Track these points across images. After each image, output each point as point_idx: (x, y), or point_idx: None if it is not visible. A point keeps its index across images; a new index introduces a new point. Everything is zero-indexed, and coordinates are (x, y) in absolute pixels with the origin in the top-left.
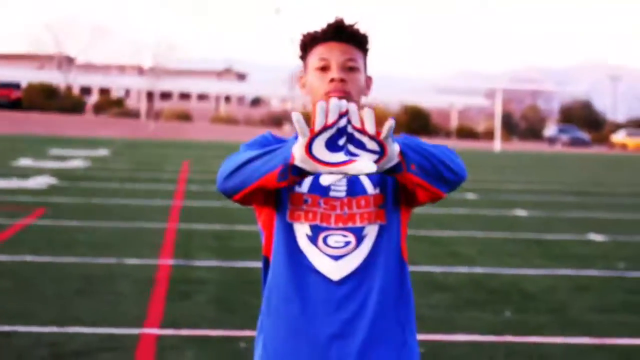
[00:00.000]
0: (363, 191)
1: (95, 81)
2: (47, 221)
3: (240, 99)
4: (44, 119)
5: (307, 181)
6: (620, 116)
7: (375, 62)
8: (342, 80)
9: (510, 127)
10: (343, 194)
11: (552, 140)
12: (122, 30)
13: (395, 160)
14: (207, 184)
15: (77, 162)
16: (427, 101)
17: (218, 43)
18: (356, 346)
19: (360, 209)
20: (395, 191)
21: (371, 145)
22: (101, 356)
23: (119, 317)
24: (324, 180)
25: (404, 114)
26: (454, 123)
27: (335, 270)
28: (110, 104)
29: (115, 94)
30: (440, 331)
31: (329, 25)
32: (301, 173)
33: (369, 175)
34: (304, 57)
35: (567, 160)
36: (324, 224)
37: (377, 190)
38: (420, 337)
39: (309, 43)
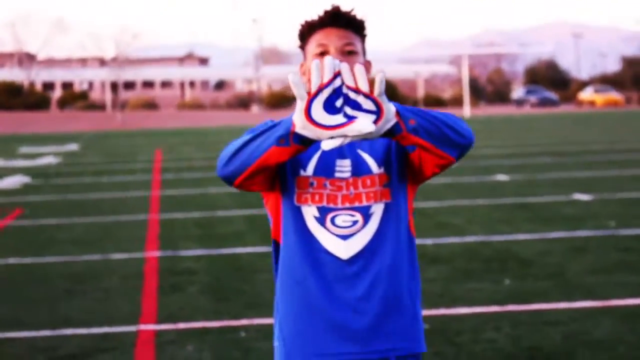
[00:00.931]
0: (368, 171)
1: (58, 76)
2: (25, 221)
3: (204, 84)
4: (9, 118)
5: (312, 164)
6: (584, 74)
7: None
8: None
9: (476, 92)
10: (348, 174)
11: (520, 102)
12: (81, 23)
13: (393, 120)
14: (182, 172)
15: (48, 159)
16: (392, 72)
17: (177, 29)
18: (370, 321)
19: (366, 188)
20: (400, 169)
21: (367, 104)
22: (100, 357)
23: (113, 315)
24: (325, 145)
25: (370, 86)
26: (420, 92)
27: (345, 249)
28: (74, 98)
29: (79, 87)
30: (442, 305)
31: (326, 12)
32: (303, 141)
33: (373, 155)
34: (302, 46)
35: (538, 121)
36: (331, 205)
37: (382, 170)
38: (423, 313)
39: (306, 31)
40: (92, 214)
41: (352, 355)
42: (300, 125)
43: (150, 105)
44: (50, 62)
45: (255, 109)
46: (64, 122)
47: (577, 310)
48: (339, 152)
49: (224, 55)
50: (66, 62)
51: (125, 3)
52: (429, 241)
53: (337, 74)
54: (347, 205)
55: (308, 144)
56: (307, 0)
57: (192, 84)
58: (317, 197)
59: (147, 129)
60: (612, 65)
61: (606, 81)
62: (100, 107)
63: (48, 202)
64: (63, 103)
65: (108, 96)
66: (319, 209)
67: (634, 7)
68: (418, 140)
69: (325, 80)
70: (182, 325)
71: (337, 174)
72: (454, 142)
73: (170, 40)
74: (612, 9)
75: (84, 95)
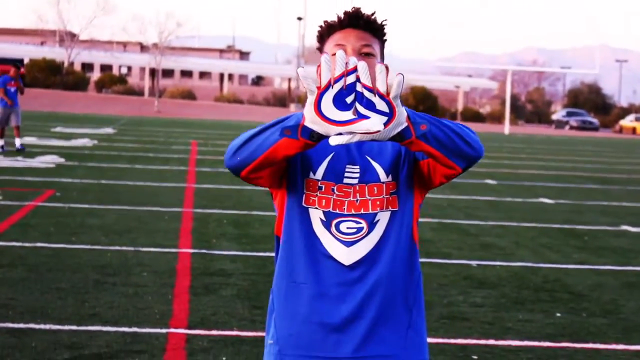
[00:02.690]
0: (376, 178)
1: (97, 57)
2: (56, 203)
3: (243, 77)
4: (47, 96)
5: (322, 168)
6: (623, 100)
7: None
8: None
9: (516, 109)
10: (356, 180)
11: (559, 124)
12: (126, 5)
13: (403, 124)
14: (218, 166)
15: (83, 140)
16: (433, 82)
17: (220, 20)
18: (364, 328)
19: (373, 196)
20: (408, 177)
21: (381, 105)
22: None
23: (142, 314)
24: (333, 140)
25: (411, 96)
26: (460, 105)
27: (347, 256)
28: (113, 81)
29: (117, 70)
30: (491, 336)
31: (345, 13)
32: (311, 136)
33: (381, 163)
34: (321, 47)
35: (579, 144)
36: (337, 211)
37: (390, 178)
38: (470, 341)
39: (325, 32)
40: (125, 201)
41: None
42: (310, 119)
43: (188, 95)
44: (92, 43)
45: (293, 107)
46: (100, 104)
47: (636, 354)
48: (349, 158)
49: (266, 50)
50: (107, 44)
51: None
52: (473, 262)
53: (351, 71)
54: (353, 212)
55: (316, 139)
56: (350, 1)
57: (230, 77)
58: (323, 202)
59: (183, 119)
60: None
61: None
62: (137, 92)
63: (81, 185)
64: (101, 85)
65: (146, 82)
66: (325, 214)
67: None
68: (427, 148)
69: (337, 74)
70: (215, 332)
71: (346, 180)
72: (464, 152)
73: (212, 31)
74: None
75: (122, 80)
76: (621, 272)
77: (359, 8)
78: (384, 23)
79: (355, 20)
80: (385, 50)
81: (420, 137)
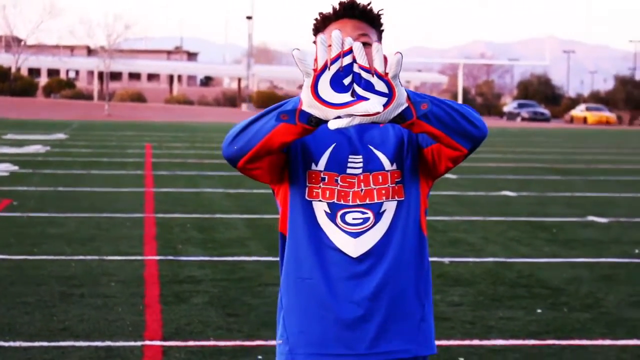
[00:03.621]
0: (380, 167)
1: (45, 62)
2: (14, 213)
3: (191, 79)
4: None
5: (324, 158)
6: (571, 90)
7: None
8: None
9: (466, 102)
10: (359, 170)
11: (511, 116)
12: (73, 8)
13: (403, 104)
14: (175, 168)
15: (35, 147)
16: None
17: (166, 21)
18: (377, 323)
19: (378, 185)
20: (413, 165)
21: (379, 86)
22: None
23: (114, 326)
24: (332, 124)
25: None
26: None
27: (354, 247)
28: (61, 86)
29: (65, 75)
30: (475, 336)
31: (340, 4)
32: (309, 120)
33: (384, 151)
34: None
35: (533, 136)
36: (342, 202)
37: (394, 166)
38: (453, 342)
39: (321, 24)
40: (85, 209)
41: (357, 357)
42: (307, 103)
43: (138, 98)
44: (39, 48)
45: (244, 106)
46: (50, 109)
47: (624, 350)
48: (351, 148)
49: (213, 51)
50: (54, 49)
51: None
52: (445, 259)
53: (347, 52)
54: (358, 202)
55: (315, 124)
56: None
57: (179, 78)
58: (327, 194)
59: (134, 122)
60: (600, 84)
61: (598, 99)
62: (86, 96)
63: (37, 193)
64: (49, 90)
65: (95, 86)
66: (330, 205)
67: (624, 26)
68: (429, 128)
69: (333, 55)
70: (192, 343)
71: (349, 170)
72: (467, 132)
73: (159, 33)
74: (601, 27)
75: (70, 84)
76: (595, 265)
77: None
78: (380, 13)
79: (351, 11)
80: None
81: (422, 117)
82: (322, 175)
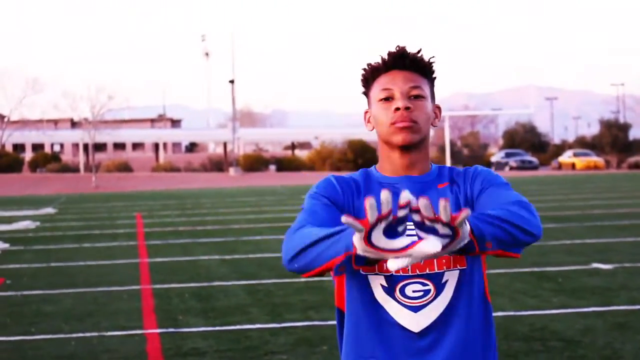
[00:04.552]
0: None
1: (29, 137)
2: (8, 292)
3: (176, 145)
4: None
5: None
6: (556, 137)
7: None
8: (407, 109)
9: (453, 154)
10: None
11: (499, 165)
12: (56, 83)
13: (466, 239)
14: (167, 237)
15: (25, 222)
16: (369, 134)
17: (147, 90)
18: None
19: None
20: None
21: (444, 230)
22: None
23: None
24: (391, 265)
25: (349, 150)
26: None
27: (416, 322)
28: (46, 160)
29: (49, 148)
30: None
31: (390, 54)
32: (367, 262)
33: None
34: (366, 92)
35: (524, 184)
36: (400, 273)
37: None
38: None
39: (370, 76)
40: (79, 284)
41: None
42: (361, 249)
43: (124, 168)
44: (22, 123)
45: (232, 171)
46: (37, 184)
47: None
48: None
49: (196, 116)
50: (38, 123)
51: (98, 62)
52: None
53: (403, 206)
54: (418, 272)
55: (373, 263)
56: (277, 63)
57: (164, 145)
58: (385, 266)
59: (122, 192)
60: (584, 129)
61: (584, 144)
62: (72, 169)
63: (30, 270)
64: (35, 165)
65: (81, 158)
66: (387, 278)
67: (603, 70)
68: (489, 253)
69: (383, 213)
70: None
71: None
72: (522, 242)
73: (141, 102)
74: (581, 73)
75: (56, 157)
76: (607, 313)
77: (404, 47)
78: (431, 60)
79: (401, 61)
80: (322, 106)
81: (484, 249)
82: None
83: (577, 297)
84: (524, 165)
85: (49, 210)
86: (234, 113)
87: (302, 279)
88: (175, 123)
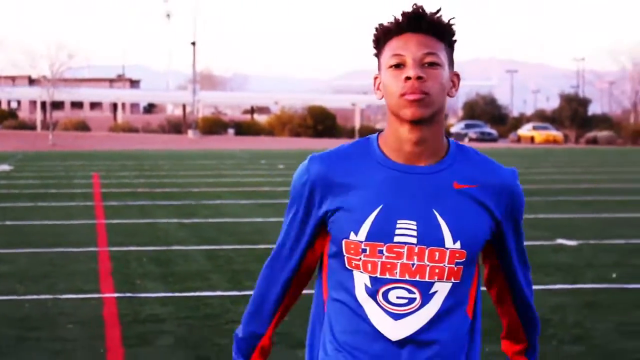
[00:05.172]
0: (439, 242)
1: None
2: None
3: (134, 106)
4: None
5: (365, 227)
6: (515, 110)
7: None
8: (419, 78)
9: None
10: (413, 239)
11: (459, 136)
12: (15, 40)
13: None
14: (125, 199)
15: None
16: (330, 101)
17: (107, 49)
18: None
19: (433, 262)
20: (480, 246)
21: None
22: None
23: None
24: None
25: (309, 116)
26: (356, 123)
27: (395, 330)
28: (2, 116)
29: (6, 105)
30: None
31: (404, 15)
32: None
33: (452, 223)
34: (377, 54)
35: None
36: (386, 275)
37: (458, 245)
38: None
39: (382, 37)
40: (35, 244)
41: None
42: None
43: (82, 127)
44: None
45: (190, 133)
46: None
47: None
48: (403, 211)
49: (155, 78)
50: None
51: (58, 21)
52: None
53: None
54: (407, 277)
55: None
56: (239, 26)
57: (122, 106)
58: (369, 266)
59: (80, 151)
60: (543, 102)
61: (544, 118)
62: (29, 126)
63: None
64: None
65: (38, 116)
66: (372, 279)
67: (562, 45)
68: None
69: None
70: None
71: (399, 238)
72: None
73: (101, 61)
74: (540, 46)
75: (12, 114)
76: (576, 291)
77: (420, 6)
78: (451, 22)
79: (416, 23)
80: (283, 71)
81: None
82: (362, 247)
83: (544, 274)
84: (483, 137)
85: (5, 167)
86: (194, 75)
87: (263, 246)
88: (134, 84)
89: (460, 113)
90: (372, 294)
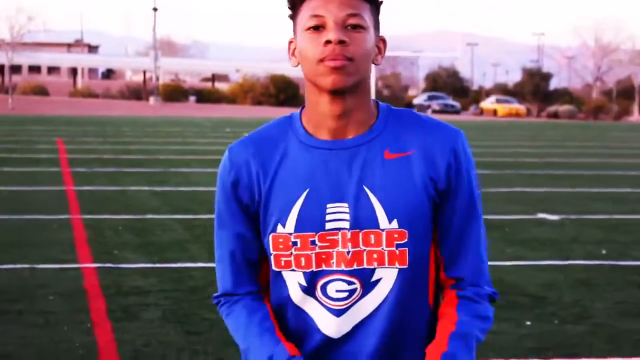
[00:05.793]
0: (373, 223)
1: None
2: None
3: (92, 72)
4: None
5: (292, 217)
6: (475, 83)
7: (232, 31)
8: (341, 42)
9: (374, 95)
10: (346, 224)
11: (421, 108)
12: None
13: None
14: (93, 165)
15: None
16: (292, 70)
17: (66, 14)
18: None
19: (369, 247)
20: (424, 222)
21: None
22: None
23: (62, 349)
24: None
25: (272, 85)
26: None
27: (337, 327)
28: None
29: None
30: None
31: None
32: None
33: (385, 201)
34: (293, 15)
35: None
36: (323, 267)
37: (395, 224)
38: None
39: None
40: (3, 210)
41: None
42: None
43: (41, 91)
44: None
45: (152, 100)
46: None
47: None
48: (332, 193)
49: (114, 43)
50: None
51: None
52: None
53: None
54: (344, 267)
55: None
56: None
57: (81, 70)
58: (302, 261)
59: (40, 116)
60: (502, 76)
61: (506, 92)
62: None
63: None
64: None
65: None
66: (306, 275)
67: (520, 19)
68: None
69: None
70: None
71: (331, 224)
72: None
73: (59, 26)
74: (498, 20)
75: None
76: (566, 268)
77: None
78: None
79: None
80: (234, 39)
81: None
82: (292, 239)
83: (529, 249)
84: (446, 109)
85: None
86: (155, 41)
87: None
88: (93, 49)
89: (422, 85)
90: (310, 291)
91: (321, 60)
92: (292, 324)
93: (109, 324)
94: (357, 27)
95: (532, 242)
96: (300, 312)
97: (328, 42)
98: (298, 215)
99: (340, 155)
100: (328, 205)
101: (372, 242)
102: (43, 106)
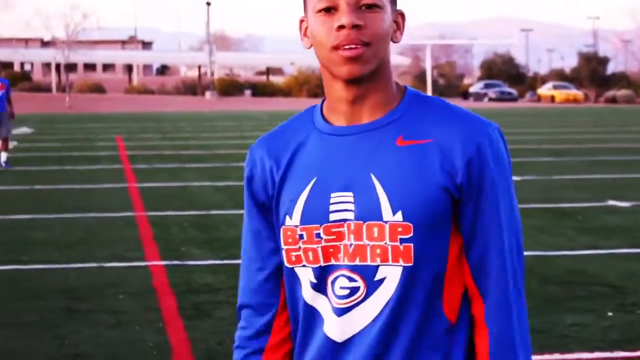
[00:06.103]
0: (376, 215)
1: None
2: None
3: (147, 68)
4: None
5: (298, 209)
6: (530, 70)
7: (286, 24)
8: (355, 27)
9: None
10: (351, 215)
11: (478, 96)
12: (27, 1)
13: None
14: (153, 161)
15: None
16: None
17: (119, 11)
18: None
19: (372, 241)
20: (433, 217)
21: None
22: None
23: (135, 349)
24: None
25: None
26: None
27: (339, 329)
28: (16, 79)
29: (19, 67)
30: (548, 348)
31: None
32: None
33: (390, 191)
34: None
35: (508, 116)
36: (332, 262)
37: (399, 216)
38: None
39: None
40: (69, 210)
41: None
42: None
43: (97, 89)
44: None
45: (208, 94)
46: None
47: None
48: (340, 180)
49: (166, 39)
50: (7, 42)
51: None
52: None
53: None
54: (347, 262)
55: None
56: None
57: (137, 67)
58: (310, 255)
59: (97, 114)
60: (557, 62)
61: (562, 77)
62: (44, 89)
63: (14, 193)
64: None
65: (53, 78)
66: (315, 271)
67: (575, 3)
68: None
69: None
70: None
71: (334, 215)
72: None
73: (111, 23)
74: (553, 4)
75: (26, 76)
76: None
77: None
78: None
79: None
80: (288, 31)
81: None
82: (299, 232)
83: (603, 237)
84: (503, 97)
85: (25, 129)
86: (208, 36)
87: None
88: (147, 45)
89: (477, 72)
90: (321, 288)
91: (335, 48)
92: (303, 326)
93: (180, 323)
94: (372, 7)
95: (604, 230)
96: (310, 312)
97: (341, 27)
98: (304, 206)
99: (350, 141)
100: (332, 195)
101: (376, 235)
102: (100, 104)
